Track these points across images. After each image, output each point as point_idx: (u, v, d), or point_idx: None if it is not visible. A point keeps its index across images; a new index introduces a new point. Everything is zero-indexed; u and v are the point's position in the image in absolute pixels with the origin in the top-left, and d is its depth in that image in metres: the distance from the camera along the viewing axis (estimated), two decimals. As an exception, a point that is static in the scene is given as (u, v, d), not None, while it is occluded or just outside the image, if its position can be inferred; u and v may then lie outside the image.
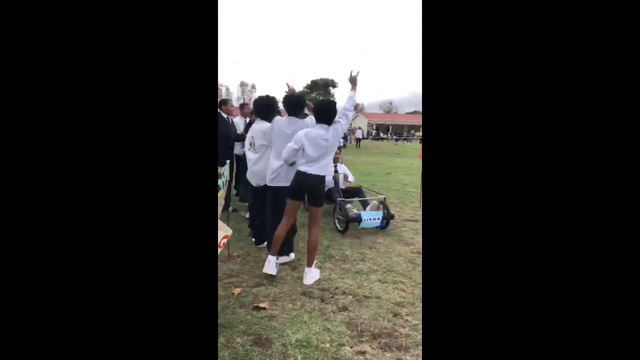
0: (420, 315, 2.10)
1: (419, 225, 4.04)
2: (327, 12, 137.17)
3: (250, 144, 3.02)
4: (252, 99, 3.62)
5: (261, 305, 2.14)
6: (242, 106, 4.69)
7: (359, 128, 26.35)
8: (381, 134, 40.09)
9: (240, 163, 4.20)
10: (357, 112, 52.19)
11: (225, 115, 3.96)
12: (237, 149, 4.24)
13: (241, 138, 3.95)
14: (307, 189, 2.54)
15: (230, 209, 4.36)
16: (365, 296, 2.33)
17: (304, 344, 1.78)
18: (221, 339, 1.80)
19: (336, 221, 3.81)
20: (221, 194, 2.19)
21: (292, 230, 3.00)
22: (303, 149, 2.48)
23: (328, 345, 1.79)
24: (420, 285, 2.50)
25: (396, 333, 1.92)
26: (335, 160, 4.36)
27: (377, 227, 3.74)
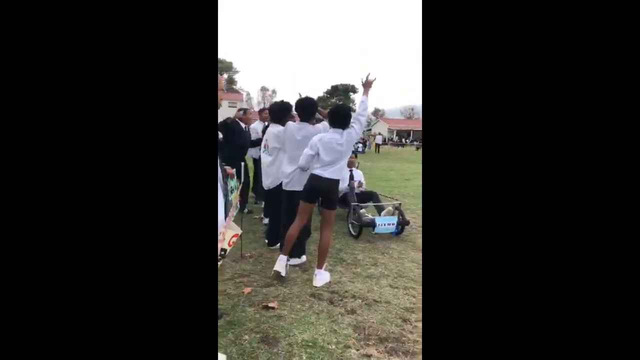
0: (429, 322, 2.07)
1: (434, 232, 3.97)
2: (351, 17, 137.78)
3: (265, 147, 3.10)
4: (273, 102, 3.77)
5: (270, 304, 2.17)
6: (261, 111, 4.84)
7: (379, 134, 26.20)
8: (403, 140, 39.68)
9: (259, 166, 4.30)
10: (377, 118, 51.93)
11: (243, 125, 4.11)
12: (255, 152, 4.36)
13: (257, 143, 4.06)
14: (321, 192, 2.56)
15: (246, 210, 4.45)
16: (374, 300, 2.32)
17: (310, 344, 1.80)
18: (229, 336, 1.84)
19: (350, 226, 3.80)
20: (234, 195, 2.24)
21: (307, 233, 3.04)
22: (318, 154, 2.51)
23: (334, 346, 1.79)
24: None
25: (404, 338, 1.90)
26: (351, 165, 4.37)
27: (391, 232, 3.71)
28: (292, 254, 2.84)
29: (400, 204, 3.93)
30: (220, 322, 1.94)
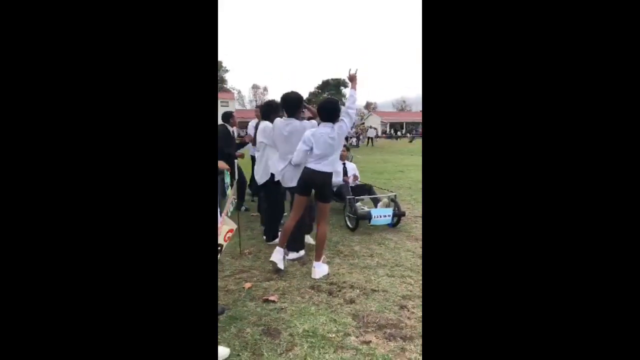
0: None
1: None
2: (339, 11, 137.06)
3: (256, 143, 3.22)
4: (264, 101, 3.85)
5: (270, 298, 2.22)
6: (256, 109, 4.92)
7: (370, 127, 26.25)
8: (397, 132, 39.77)
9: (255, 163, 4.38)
10: (370, 111, 51.95)
11: (230, 129, 4.24)
12: (253, 150, 4.44)
13: (243, 144, 4.27)
14: (315, 185, 2.61)
15: (243, 208, 4.49)
16: (372, 289, 2.38)
17: (311, 333, 1.85)
18: (232, 330, 1.88)
19: (346, 219, 3.85)
20: (230, 192, 2.29)
21: (308, 228, 3.09)
22: (311, 148, 2.56)
23: (334, 335, 1.85)
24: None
25: (402, 324, 1.96)
26: (343, 158, 4.41)
27: (388, 224, 3.77)
28: (291, 248, 2.89)
29: (395, 195, 3.99)
30: (222, 317, 1.99)
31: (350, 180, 4.36)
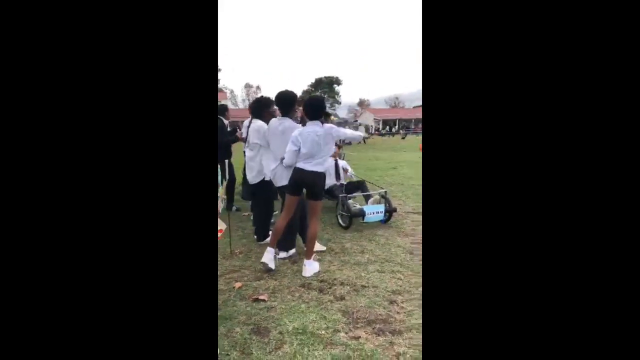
0: (415, 302, 2.14)
1: (420, 217, 4.07)
2: (330, 9, 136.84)
3: (248, 142, 3.15)
4: (254, 99, 3.83)
5: (260, 297, 2.22)
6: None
7: (360, 125, 26.37)
8: (390, 129, 39.87)
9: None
10: (363, 109, 52.00)
11: (226, 122, 4.16)
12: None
13: (234, 139, 4.19)
14: (305, 185, 2.61)
15: (234, 208, 4.47)
16: (362, 286, 2.39)
17: (300, 331, 1.85)
18: (221, 329, 1.88)
19: (339, 217, 3.85)
20: (220, 191, 2.28)
21: (302, 227, 3.08)
22: (299, 148, 2.55)
23: (324, 331, 1.85)
24: (418, 274, 2.54)
25: (391, 319, 1.97)
26: (335, 155, 4.41)
27: (380, 220, 3.78)
28: (281, 248, 2.89)
29: (385, 191, 4.00)
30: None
31: (342, 177, 4.36)
